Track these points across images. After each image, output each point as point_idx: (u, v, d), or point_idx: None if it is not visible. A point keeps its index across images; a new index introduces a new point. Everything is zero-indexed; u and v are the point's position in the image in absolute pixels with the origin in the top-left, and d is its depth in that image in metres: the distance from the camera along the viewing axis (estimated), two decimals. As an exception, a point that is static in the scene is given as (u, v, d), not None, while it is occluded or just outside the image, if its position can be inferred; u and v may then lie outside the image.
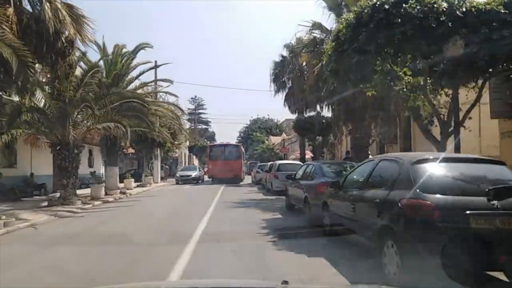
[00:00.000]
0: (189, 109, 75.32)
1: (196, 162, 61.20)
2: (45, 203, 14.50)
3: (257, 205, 13.49)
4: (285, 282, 2.00)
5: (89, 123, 14.48)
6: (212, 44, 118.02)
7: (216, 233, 8.03)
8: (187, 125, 59.57)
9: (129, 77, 20.46)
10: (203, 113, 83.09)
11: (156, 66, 23.15)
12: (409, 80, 9.41)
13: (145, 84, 20.49)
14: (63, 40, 9.86)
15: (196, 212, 11.55)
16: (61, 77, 10.89)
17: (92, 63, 14.59)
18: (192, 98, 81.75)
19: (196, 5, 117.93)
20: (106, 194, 18.94)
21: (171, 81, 21.64)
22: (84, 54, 15.71)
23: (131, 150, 33.50)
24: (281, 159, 38.57)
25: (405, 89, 9.70)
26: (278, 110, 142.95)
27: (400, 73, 9.58)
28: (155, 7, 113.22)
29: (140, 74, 20.73)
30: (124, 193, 20.12)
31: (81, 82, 14.21)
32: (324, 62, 11.86)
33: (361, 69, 10.19)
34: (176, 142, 35.31)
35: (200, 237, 7.33)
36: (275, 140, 59.42)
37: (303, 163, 21.95)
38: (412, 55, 9.01)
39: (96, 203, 15.83)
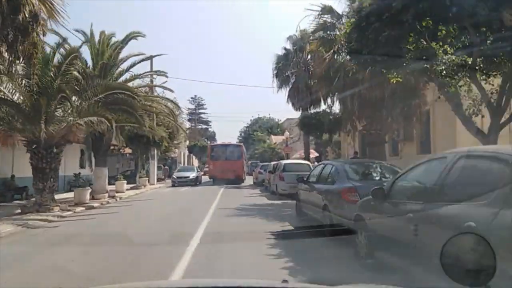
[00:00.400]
0: (189, 109, 74.03)
1: (196, 162, 59.44)
2: (19, 210, 12.70)
3: (262, 212, 11.63)
4: (285, 282, 1.91)
5: (70, 118, 12.60)
6: (212, 42, 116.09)
7: (211, 256, 6.18)
8: (187, 124, 58.14)
9: (120, 69, 18.66)
10: (204, 113, 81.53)
11: (151, 57, 21.22)
12: (450, 60, 7.56)
13: (136, 76, 18.58)
14: (25, 14, 8.01)
15: (188, 223, 9.72)
16: (24, 59, 9.02)
17: (70, 48, 12.68)
18: (192, 98, 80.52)
19: (196, 4, 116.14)
20: (93, 198, 17.16)
21: (165, 73, 19.78)
22: (64, 39, 13.94)
23: (128, 150, 31.74)
24: (282, 158, 36.84)
25: (443, 72, 7.86)
26: (279, 109, 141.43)
27: (440, 51, 7.76)
28: (153, 4, 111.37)
29: (131, 66, 18.86)
30: (113, 196, 18.28)
31: (58, 71, 12.39)
32: (342, 41, 10.07)
33: (391, 46, 8.38)
34: (175, 142, 33.73)
35: (189, 263, 5.47)
36: (276, 139, 57.76)
37: (311, 163, 20.17)
38: (459, 27, 7.17)
39: (79, 209, 13.98)
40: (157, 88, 24.39)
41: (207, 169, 43.46)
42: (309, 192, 8.66)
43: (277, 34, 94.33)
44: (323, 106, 26.45)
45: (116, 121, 13.17)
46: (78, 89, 14.32)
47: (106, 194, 18.03)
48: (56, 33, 14.77)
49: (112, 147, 29.32)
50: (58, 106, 12.09)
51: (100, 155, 17.88)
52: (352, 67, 13.41)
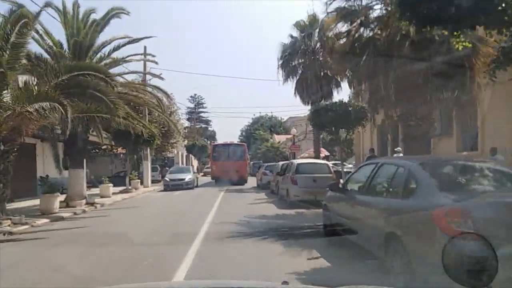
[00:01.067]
0: (188, 107, 71.21)
1: (195, 163, 56.38)
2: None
3: (273, 229, 8.60)
4: (285, 283, 1.85)
5: (20, 105, 9.61)
6: (212, 39, 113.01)
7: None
8: (185, 123, 55.10)
9: (101, 54, 15.74)
10: (203, 112, 78.69)
11: (139, 39, 18.08)
12: None
13: (119, 60, 15.60)
14: None
15: (173, 246, 6.75)
16: None
17: (21, 12, 9.69)
18: (191, 97, 77.61)
19: (197, 3, 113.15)
20: (67, 205, 14.25)
21: (153, 56, 16.92)
22: (20, 6, 11.02)
23: (121, 150, 28.99)
24: (287, 158, 34.07)
25: None
26: (283, 104, 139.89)
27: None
28: (153, 4, 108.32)
29: (114, 50, 15.92)
30: (92, 203, 15.33)
31: (6, 43, 9.47)
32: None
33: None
34: (171, 141, 31.00)
35: None
36: (279, 138, 55.06)
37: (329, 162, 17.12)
38: None
39: (39, 222, 11.02)
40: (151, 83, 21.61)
41: (208, 169, 40.84)
42: (351, 207, 5.62)
43: (282, 26, 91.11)
44: (337, 97, 23.56)
45: (84, 111, 10.21)
46: (41, 70, 11.44)
47: (83, 201, 15.11)
48: (13, 2, 11.97)
49: (104, 147, 26.63)
50: (3, 91, 9.10)
51: (75, 154, 14.94)
52: (386, 39, 10.45)
